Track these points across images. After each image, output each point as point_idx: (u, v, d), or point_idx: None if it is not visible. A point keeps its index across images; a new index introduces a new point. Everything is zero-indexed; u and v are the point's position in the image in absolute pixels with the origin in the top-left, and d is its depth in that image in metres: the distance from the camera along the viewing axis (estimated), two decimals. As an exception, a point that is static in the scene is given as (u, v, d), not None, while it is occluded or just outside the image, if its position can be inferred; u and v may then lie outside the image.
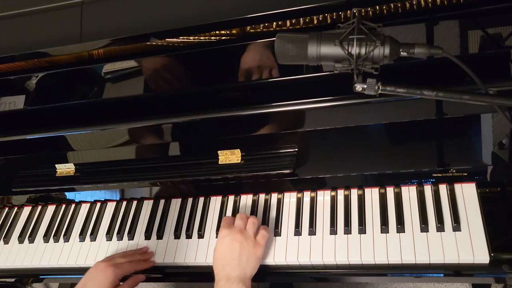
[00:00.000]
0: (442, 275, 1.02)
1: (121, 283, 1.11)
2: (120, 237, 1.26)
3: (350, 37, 0.75)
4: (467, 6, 0.95)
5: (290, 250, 1.10)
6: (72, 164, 1.33)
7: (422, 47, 0.75)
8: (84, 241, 1.29)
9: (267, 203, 1.20)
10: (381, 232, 1.06)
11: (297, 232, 1.12)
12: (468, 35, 0.97)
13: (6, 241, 1.37)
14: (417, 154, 1.09)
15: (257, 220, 1.10)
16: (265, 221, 1.16)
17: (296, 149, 1.15)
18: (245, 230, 1.06)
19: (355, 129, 1.09)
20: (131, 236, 1.26)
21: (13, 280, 1.36)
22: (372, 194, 1.13)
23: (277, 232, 1.14)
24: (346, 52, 0.75)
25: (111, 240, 1.26)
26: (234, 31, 1.05)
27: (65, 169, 1.35)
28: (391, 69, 0.81)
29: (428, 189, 1.10)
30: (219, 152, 1.20)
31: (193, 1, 1.06)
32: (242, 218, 1.09)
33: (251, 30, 1.05)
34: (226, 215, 1.14)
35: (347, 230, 1.08)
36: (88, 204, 1.38)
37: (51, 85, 1.23)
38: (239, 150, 1.19)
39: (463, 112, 1.01)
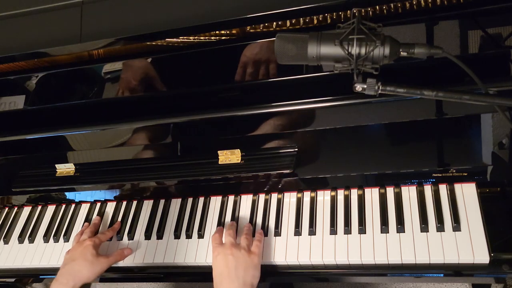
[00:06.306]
0: (442, 275, 1.02)
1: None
2: (120, 237, 1.26)
3: (350, 37, 0.74)
4: (467, 6, 0.95)
5: (290, 250, 1.10)
6: (72, 164, 1.33)
7: (422, 47, 0.75)
8: (84, 241, 1.29)
9: (267, 203, 1.20)
10: (381, 232, 1.06)
11: (297, 232, 1.12)
12: (468, 35, 0.97)
13: (6, 241, 1.37)
14: (417, 154, 1.09)
15: (249, 236, 1.10)
16: (265, 221, 1.16)
17: (296, 149, 1.15)
18: (237, 243, 1.07)
19: (355, 129, 1.09)
20: (131, 236, 1.26)
21: (13, 280, 1.37)
22: (372, 194, 1.13)
23: (277, 232, 1.14)
24: (346, 52, 0.75)
25: (111, 240, 1.26)
26: (234, 31, 1.05)
27: (65, 169, 1.35)
28: (391, 69, 0.81)
29: (428, 189, 1.10)
30: (219, 152, 1.20)
31: (193, 1, 1.06)
32: (230, 234, 1.09)
33: (251, 30, 1.05)
34: (214, 233, 1.13)
35: (347, 230, 1.09)
36: (88, 204, 1.38)
37: (51, 85, 1.23)
38: (239, 150, 1.19)
39: (463, 112, 1.01)
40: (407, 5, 0.95)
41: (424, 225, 1.04)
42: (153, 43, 1.09)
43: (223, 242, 1.09)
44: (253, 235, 1.13)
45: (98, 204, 1.37)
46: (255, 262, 1.04)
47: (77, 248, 1.17)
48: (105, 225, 1.31)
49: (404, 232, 1.05)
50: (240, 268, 1.01)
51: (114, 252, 1.20)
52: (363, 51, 0.74)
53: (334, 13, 0.97)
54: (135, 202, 1.33)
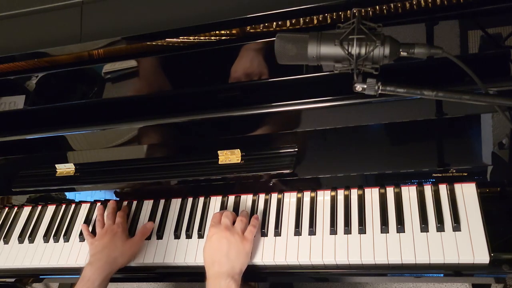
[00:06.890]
0: (442, 275, 1.02)
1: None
2: (120, 237, 1.26)
3: (350, 37, 0.74)
4: (467, 6, 0.95)
5: (290, 250, 1.10)
6: (72, 164, 1.33)
7: (422, 47, 0.75)
8: (84, 241, 1.28)
9: (267, 203, 1.20)
10: (381, 232, 1.06)
11: (297, 232, 1.12)
12: (468, 35, 0.97)
13: (6, 241, 1.37)
14: (417, 154, 1.09)
15: (245, 218, 1.11)
16: (265, 221, 1.16)
17: (296, 149, 1.15)
18: (233, 227, 1.08)
19: (355, 129, 1.09)
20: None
21: (13, 280, 1.37)
22: (372, 194, 1.13)
23: (277, 232, 1.14)
24: (346, 52, 0.75)
25: (111, 240, 1.26)
26: (234, 31, 1.05)
27: (65, 169, 1.35)
28: (391, 69, 0.81)
29: (428, 189, 1.10)
30: (219, 152, 1.20)
31: (193, 1, 1.06)
32: (228, 216, 1.11)
33: (251, 30, 1.05)
34: (216, 213, 1.15)
35: (347, 230, 1.08)
36: (88, 204, 1.38)
37: (51, 85, 1.23)
38: (239, 150, 1.19)
39: (463, 112, 1.01)
40: (407, 5, 0.95)
41: (424, 225, 1.04)
42: (153, 43, 1.10)
43: (220, 223, 1.10)
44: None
45: (98, 204, 1.36)
46: (247, 249, 1.06)
47: (107, 235, 1.19)
48: (105, 225, 1.30)
49: (404, 232, 1.05)
50: (232, 253, 1.03)
51: (138, 231, 1.22)
52: (363, 51, 0.74)
53: (334, 13, 0.97)
54: (135, 202, 1.33)
